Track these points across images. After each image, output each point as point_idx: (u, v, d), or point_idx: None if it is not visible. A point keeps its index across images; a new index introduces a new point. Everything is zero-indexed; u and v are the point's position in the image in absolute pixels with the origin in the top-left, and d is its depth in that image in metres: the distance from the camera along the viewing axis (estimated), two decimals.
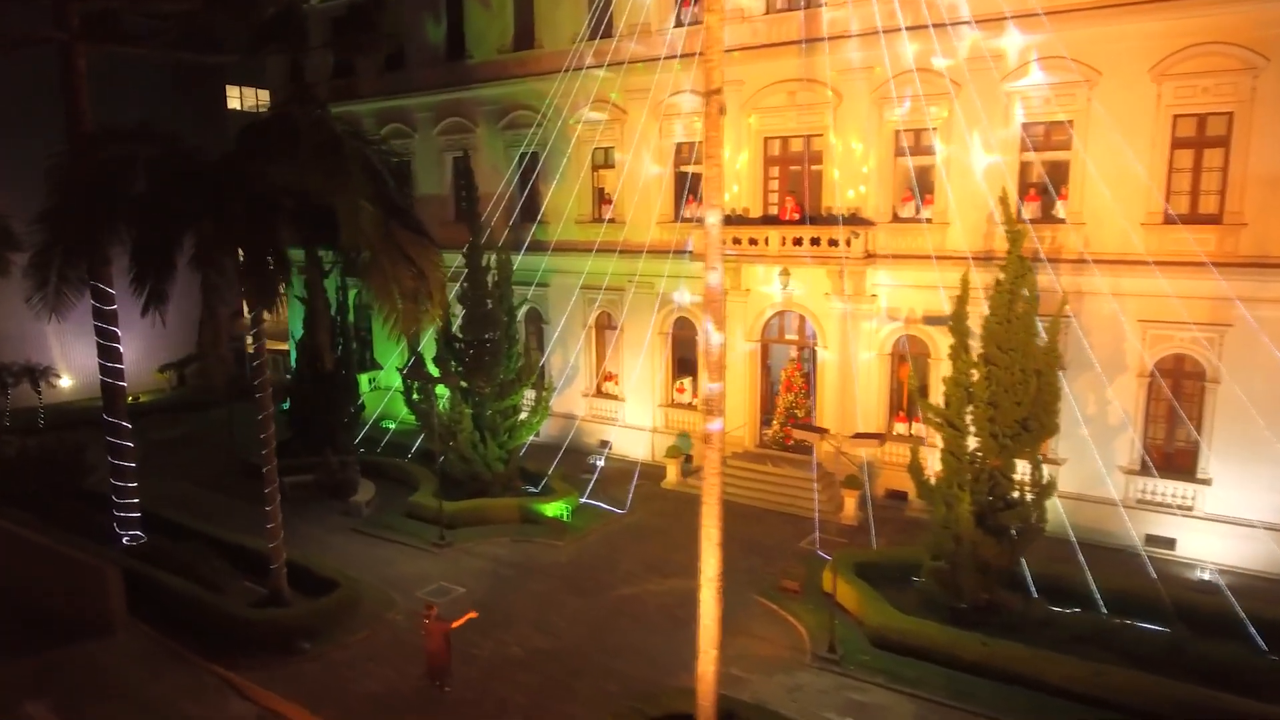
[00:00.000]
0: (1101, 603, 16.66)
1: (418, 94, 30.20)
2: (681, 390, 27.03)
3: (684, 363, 27.12)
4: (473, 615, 14.50)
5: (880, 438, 16.48)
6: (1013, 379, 16.20)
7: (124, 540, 20.31)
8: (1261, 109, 18.06)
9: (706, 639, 11.87)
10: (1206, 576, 18.71)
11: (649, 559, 19.98)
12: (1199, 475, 19.69)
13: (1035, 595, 16.86)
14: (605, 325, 28.25)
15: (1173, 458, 20.15)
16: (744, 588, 18.46)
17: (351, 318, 28.80)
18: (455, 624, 13.91)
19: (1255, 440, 18.59)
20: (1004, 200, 16.57)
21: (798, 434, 16.21)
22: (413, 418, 24.61)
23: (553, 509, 21.97)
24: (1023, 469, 16.70)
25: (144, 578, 17.29)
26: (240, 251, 14.54)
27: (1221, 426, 19.23)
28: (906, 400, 23.51)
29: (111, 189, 14.07)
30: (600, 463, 26.64)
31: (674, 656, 15.63)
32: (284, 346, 41.47)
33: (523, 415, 23.83)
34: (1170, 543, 19.92)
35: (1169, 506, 19.98)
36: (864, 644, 15.97)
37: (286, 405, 34.32)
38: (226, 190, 14.08)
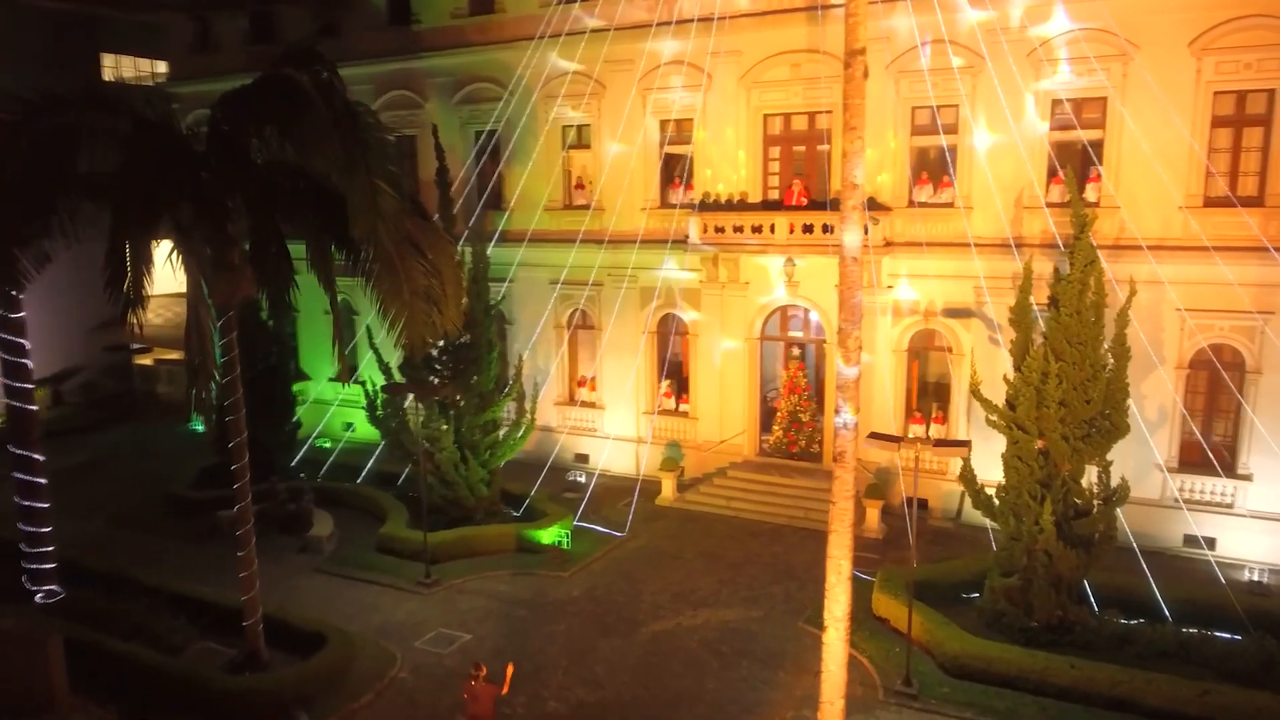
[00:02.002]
0: (1167, 612, 16.62)
1: (354, 64, 28.07)
2: (669, 395, 26.07)
3: (672, 366, 26.17)
4: (511, 669, 13.17)
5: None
6: (1083, 375, 15.96)
7: (37, 597, 17.96)
8: None
9: (832, 688, 10.99)
10: (1256, 577, 19.02)
11: (672, 588, 18.99)
12: (1239, 471, 20.05)
13: (1097, 609, 16.71)
14: (581, 325, 27.02)
15: (1211, 453, 20.43)
16: (786, 616, 17.77)
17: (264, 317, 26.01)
18: (506, 684, 12.57)
19: None
20: (1070, 180, 16.28)
21: (874, 444, 15.43)
22: (354, 434, 22.82)
23: (549, 535, 20.70)
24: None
25: (84, 645, 15.16)
26: (211, 242, 12.79)
27: (1263, 419, 19.58)
28: (916, 400, 23.30)
29: (56, 167, 12.10)
30: (580, 479, 25.46)
31: (737, 701, 14.78)
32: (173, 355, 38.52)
33: (503, 430, 22.38)
34: (1210, 542, 20.18)
35: (1208, 505, 20.29)
36: (937, 674, 15.42)
37: (200, 426, 31.82)
38: (209, 169, 12.36)
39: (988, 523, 18.01)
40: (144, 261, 11.21)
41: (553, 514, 21.61)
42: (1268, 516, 19.68)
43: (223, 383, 14.62)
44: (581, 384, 27.39)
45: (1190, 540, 20.22)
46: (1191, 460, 20.43)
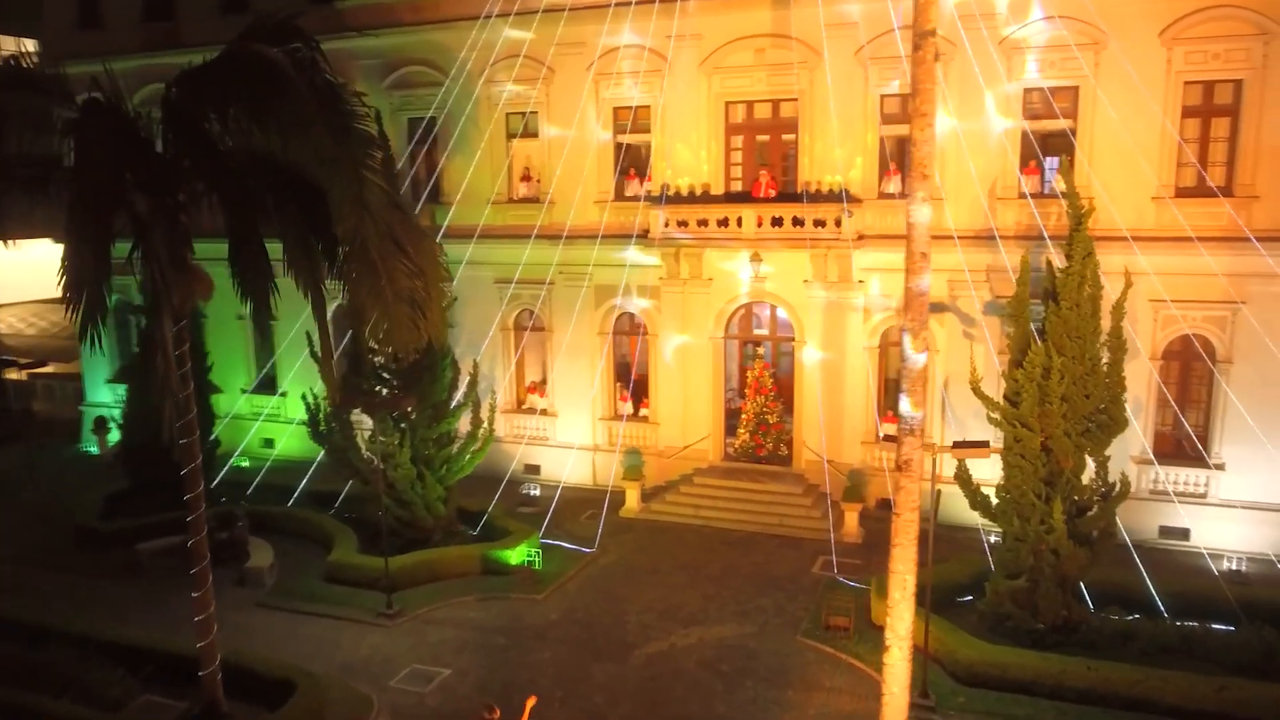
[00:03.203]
0: (1162, 607, 17.11)
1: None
2: (625, 399, 25.57)
3: (628, 368, 25.67)
4: (533, 701, 12.47)
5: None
6: (1082, 370, 16.25)
7: None
8: (1275, 76, 19.26)
9: (894, 712, 10.75)
10: (1235, 566, 19.82)
11: (656, 605, 18.54)
12: (1212, 461, 20.88)
13: (1091, 607, 17.08)
14: (531, 327, 26.25)
15: (1183, 444, 21.25)
16: (782, 630, 17.56)
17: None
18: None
19: (1269, 421, 19.88)
20: (1066, 171, 16.55)
21: (957, 454, 15.26)
22: (276, 452, 21.59)
23: (517, 555, 19.96)
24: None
25: (7, 707, 13.71)
26: (169, 241, 11.68)
27: (1234, 409, 20.42)
28: (888, 398, 23.47)
29: None
30: (534, 492, 24.74)
31: None
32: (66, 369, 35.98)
33: (457, 443, 21.49)
34: (1184, 533, 20.98)
35: (1182, 496, 21.04)
36: (949, 683, 15.45)
37: (94, 448, 29.66)
38: (166, 156, 11.26)
39: (980, 523, 18.26)
40: (105, 266, 10.08)
41: (517, 532, 20.86)
42: (1241, 505, 20.54)
43: (182, 397, 13.39)
44: (531, 390, 26.64)
45: (1166, 531, 21.00)
46: (1166, 451, 21.19)
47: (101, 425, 29.11)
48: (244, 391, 29.29)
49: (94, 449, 29.51)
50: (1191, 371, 21.10)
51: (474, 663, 16.38)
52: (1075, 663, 15.07)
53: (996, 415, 16.73)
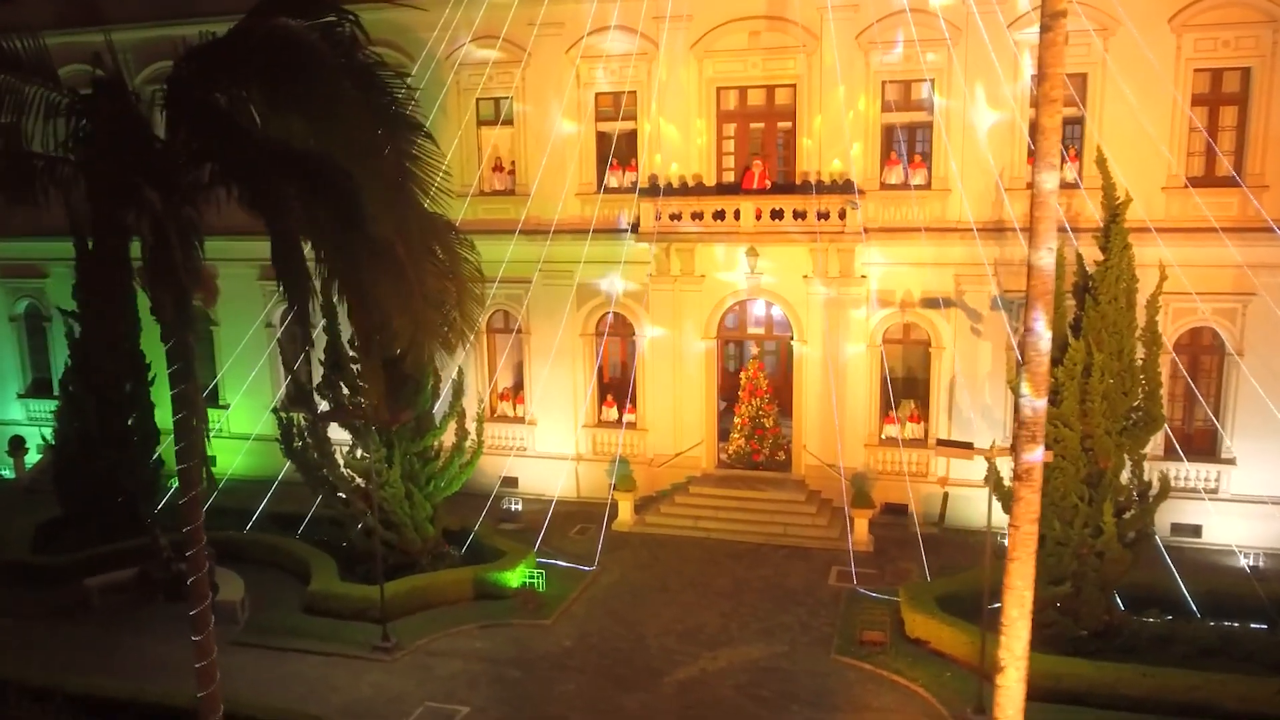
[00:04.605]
0: (1194, 607, 17.42)
1: (204, 20, 25.09)
2: (610, 405, 25.00)
3: (614, 372, 25.14)
4: None
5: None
6: (1121, 366, 16.38)
7: None
8: None
9: None
10: (1251, 563, 20.33)
11: (674, 627, 18.08)
12: (1222, 455, 21.42)
13: (1123, 608, 17.30)
14: (503, 329, 25.46)
15: (1193, 439, 21.76)
16: (813, 649, 17.31)
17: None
18: None
19: None
20: (1101, 162, 16.65)
21: (944, 452, 15.12)
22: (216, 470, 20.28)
23: (516, 576, 19.24)
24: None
25: None
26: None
27: (1244, 402, 21.00)
28: (892, 397, 23.46)
29: None
30: (517, 506, 24.01)
31: None
32: None
33: (442, 458, 20.65)
34: (1196, 530, 21.47)
35: (1193, 492, 21.50)
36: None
37: (9, 471, 27.66)
38: (175, 142, 10.28)
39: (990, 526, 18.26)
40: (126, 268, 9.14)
41: (511, 551, 20.15)
42: (1252, 500, 21.09)
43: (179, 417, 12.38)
44: (504, 397, 25.85)
45: (1178, 529, 21.43)
46: (1176, 447, 21.60)
47: (18, 445, 27.16)
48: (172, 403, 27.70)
49: (8, 472, 27.53)
50: (1200, 365, 21.58)
51: (492, 698, 15.65)
52: (1130, 670, 15.17)
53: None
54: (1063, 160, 21.32)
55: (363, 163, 10.63)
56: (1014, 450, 14.91)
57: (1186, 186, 20.67)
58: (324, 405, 19.67)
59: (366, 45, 10.57)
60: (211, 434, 27.40)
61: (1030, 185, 20.32)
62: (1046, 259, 9.43)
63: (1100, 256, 16.53)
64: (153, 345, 26.61)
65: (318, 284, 11.10)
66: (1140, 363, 16.69)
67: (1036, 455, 9.95)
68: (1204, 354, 21.54)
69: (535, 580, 19.25)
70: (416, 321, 12.03)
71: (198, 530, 12.87)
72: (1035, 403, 9.77)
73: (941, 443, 15.17)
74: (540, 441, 25.39)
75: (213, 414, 27.26)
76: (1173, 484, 21.18)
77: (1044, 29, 9.00)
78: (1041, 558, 17.08)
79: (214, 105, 10.37)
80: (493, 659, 16.96)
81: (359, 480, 19.30)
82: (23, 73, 10.26)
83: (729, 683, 16.07)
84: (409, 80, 10.99)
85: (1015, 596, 10.31)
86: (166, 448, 25.21)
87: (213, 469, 26.61)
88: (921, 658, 16.66)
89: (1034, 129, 9.48)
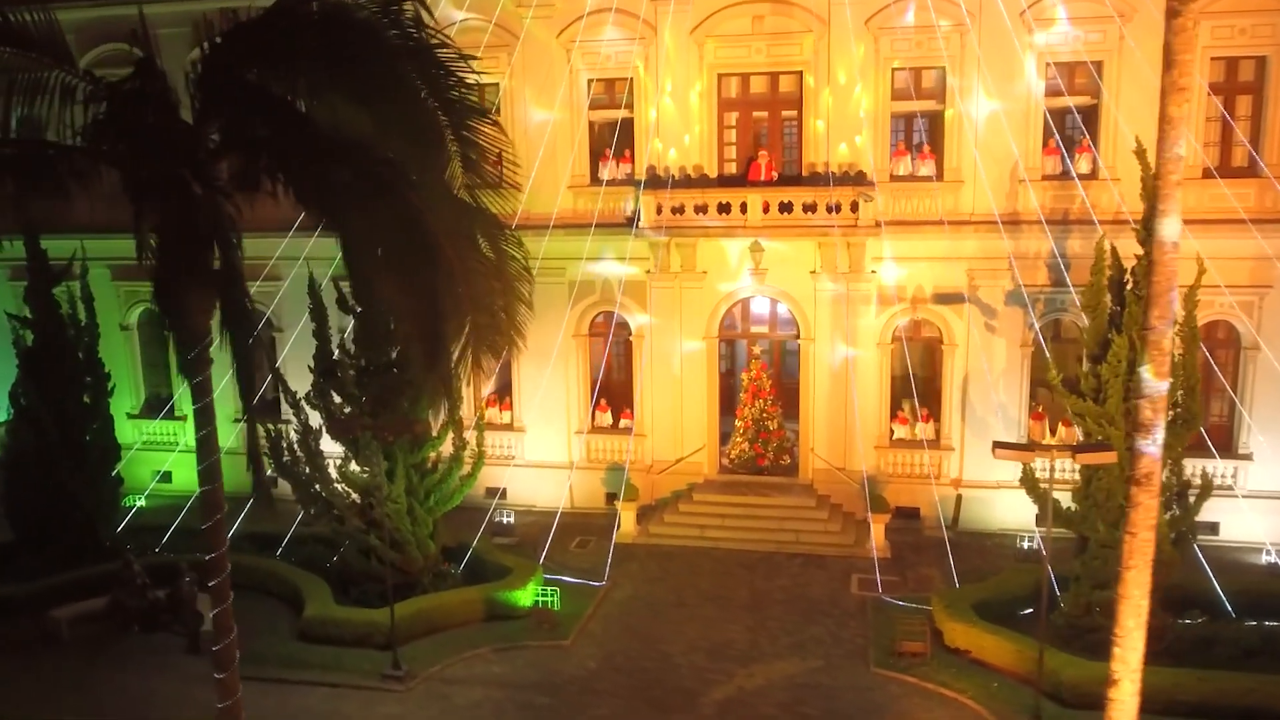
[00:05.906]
0: (1230, 606, 17.69)
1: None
2: (604, 409, 24.54)
3: (610, 374, 24.65)
4: None
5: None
6: None
7: None
8: None
9: None
10: (1271, 559, 20.74)
11: (701, 644, 17.75)
12: (1239, 451, 21.82)
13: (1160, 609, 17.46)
14: None
15: (1210, 434, 22.03)
16: (849, 662, 17.13)
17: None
18: None
19: None
20: (1141, 153, 16.72)
21: (1006, 456, 15.01)
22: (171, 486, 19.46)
23: (528, 595, 18.70)
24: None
25: None
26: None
27: (1261, 397, 21.42)
28: (902, 396, 23.44)
29: None
30: (510, 519, 23.41)
31: None
32: None
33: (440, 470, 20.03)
34: (1213, 527, 21.81)
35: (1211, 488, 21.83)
36: (1052, 706, 15.38)
37: None
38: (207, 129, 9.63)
39: (1005, 528, 18.32)
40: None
41: (518, 568, 19.58)
42: (1270, 496, 21.52)
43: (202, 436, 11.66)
44: (490, 403, 25.21)
45: (1195, 526, 21.70)
46: (1191, 442, 21.90)
47: None
48: (131, 416, 26.56)
49: None
50: (1216, 359, 21.91)
51: None
52: (1186, 674, 15.27)
53: (1081, 414, 16.75)
54: (1077, 149, 21.63)
55: (425, 153, 10.16)
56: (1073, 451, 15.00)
57: (1202, 177, 20.99)
58: (314, 416, 18.88)
59: (431, 24, 10.02)
60: (165, 448, 26.65)
61: (1045, 175, 20.97)
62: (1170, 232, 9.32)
63: (1139, 250, 16.60)
64: (110, 352, 25.67)
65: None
66: (1179, 358, 16.84)
67: (1153, 449, 9.77)
68: (1219, 348, 21.90)
69: (549, 598, 18.73)
70: (468, 326, 11.57)
71: (221, 558, 12.25)
72: (1157, 384, 9.54)
73: (999, 445, 15.01)
74: (530, 450, 24.83)
75: (166, 427, 26.42)
76: (1189, 481, 21.74)
77: (1173, 14, 8.87)
78: (1085, 561, 17.31)
79: (262, 90, 9.70)
80: (515, 685, 16.41)
81: (355, 496, 18.58)
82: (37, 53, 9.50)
83: (770, 701, 15.78)
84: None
85: (1131, 606, 10.21)
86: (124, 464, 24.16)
87: (169, 484, 25.95)
88: (964, 668, 16.58)
89: (1161, 118, 9.33)
